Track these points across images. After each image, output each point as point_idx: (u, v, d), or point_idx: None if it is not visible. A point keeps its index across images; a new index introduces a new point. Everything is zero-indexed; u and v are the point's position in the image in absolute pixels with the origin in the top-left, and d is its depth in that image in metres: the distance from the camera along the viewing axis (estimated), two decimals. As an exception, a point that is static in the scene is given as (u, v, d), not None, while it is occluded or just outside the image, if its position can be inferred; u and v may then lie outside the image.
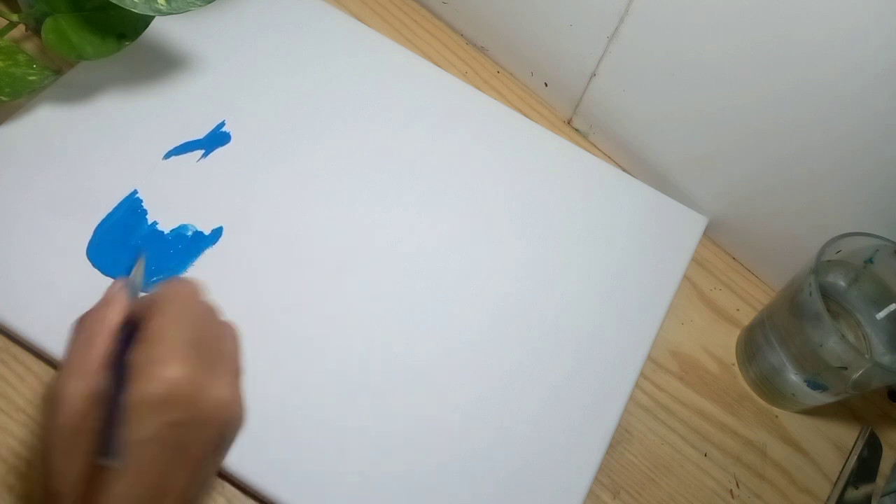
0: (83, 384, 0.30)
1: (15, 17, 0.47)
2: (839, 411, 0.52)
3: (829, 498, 0.49)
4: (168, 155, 0.48)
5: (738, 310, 0.54)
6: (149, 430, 0.29)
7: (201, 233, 0.46)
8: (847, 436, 0.51)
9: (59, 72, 0.48)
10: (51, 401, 0.30)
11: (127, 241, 0.44)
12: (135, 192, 0.46)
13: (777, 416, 0.51)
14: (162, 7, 0.43)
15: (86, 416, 0.29)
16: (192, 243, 0.45)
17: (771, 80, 0.45)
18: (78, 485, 0.29)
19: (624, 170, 0.57)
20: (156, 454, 0.29)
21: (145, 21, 0.47)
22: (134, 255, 0.43)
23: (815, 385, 0.47)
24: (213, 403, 0.31)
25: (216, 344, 0.33)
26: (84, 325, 0.32)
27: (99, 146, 0.47)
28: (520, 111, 0.57)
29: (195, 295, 0.33)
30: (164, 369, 0.29)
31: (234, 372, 0.33)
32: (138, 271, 0.38)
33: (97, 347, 0.31)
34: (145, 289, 0.42)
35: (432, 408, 0.44)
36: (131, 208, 0.46)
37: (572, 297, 0.49)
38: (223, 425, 0.31)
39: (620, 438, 0.48)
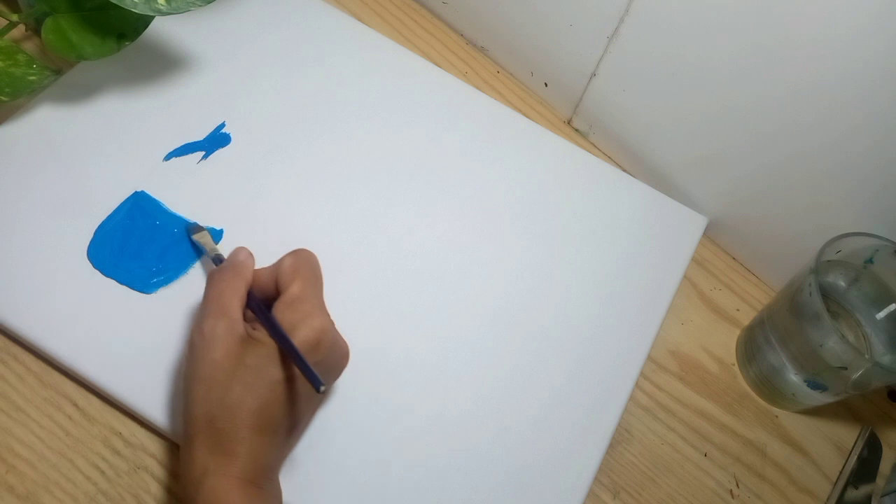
0: (230, 325, 0.36)
1: (15, 17, 0.47)
2: (839, 411, 0.52)
3: (829, 498, 0.49)
4: (168, 157, 0.48)
5: (738, 310, 0.55)
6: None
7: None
8: (847, 436, 0.51)
9: (59, 72, 0.48)
10: (199, 341, 0.36)
11: (127, 242, 0.44)
12: (135, 193, 0.46)
13: (777, 416, 0.51)
14: (162, 7, 0.43)
15: (234, 353, 0.36)
16: (193, 244, 0.45)
17: (771, 80, 0.45)
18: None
19: (624, 170, 0.57)
20: None
21: (145, 21, 0.47)
22: (189, 228, 0.46)
23: (815, 385, 0.47)
24: (343, 349, 0.39)
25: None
26: (219, 280, 0.39)
27: (99, 146, 0.47)
28: (520, 111, 0.57)
29: (317, 262, 0.40)
30: (314, 321, 0.37)
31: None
32: (209, 240, 0.45)
33: (237, 298, 0.38)
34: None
35: (432, 408, 0.44)
36: (137, 206, 0.46)
37: (572, 297, 0.49)
38: (343, 368, 0.40)
39: (620, 438, 0.48)
